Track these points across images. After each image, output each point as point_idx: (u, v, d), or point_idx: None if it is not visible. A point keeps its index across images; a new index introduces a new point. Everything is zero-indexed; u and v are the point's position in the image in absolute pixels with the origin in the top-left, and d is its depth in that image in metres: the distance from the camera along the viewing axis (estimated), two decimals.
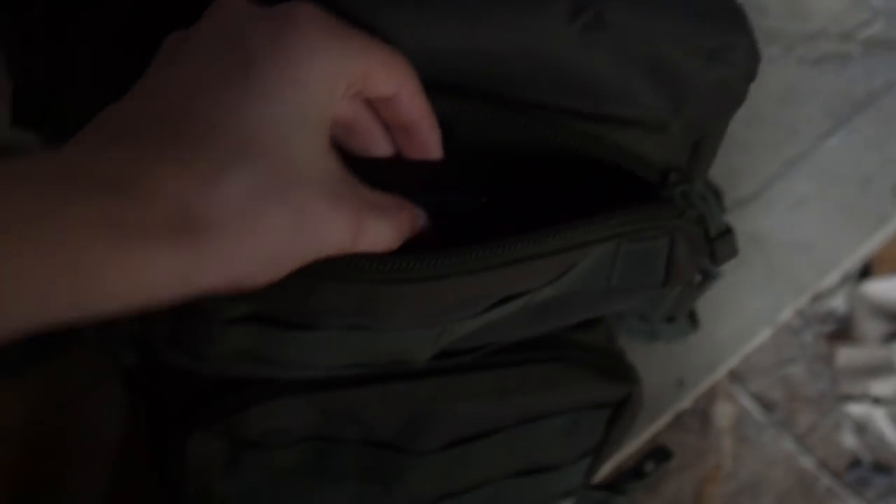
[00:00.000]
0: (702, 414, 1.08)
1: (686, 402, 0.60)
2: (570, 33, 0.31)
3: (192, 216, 0.23)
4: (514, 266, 0.28)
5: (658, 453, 0.46)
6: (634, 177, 0.33)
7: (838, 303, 1.15)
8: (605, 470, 0.58)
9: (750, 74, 0.35)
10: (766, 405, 1.08)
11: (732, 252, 0.35)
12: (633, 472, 0.46)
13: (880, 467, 1.09)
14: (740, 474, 1.07)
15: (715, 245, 0.34)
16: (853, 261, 0.66)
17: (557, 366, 0.37)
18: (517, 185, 0.33)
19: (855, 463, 1.10)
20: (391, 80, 0.28)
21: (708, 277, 0.35)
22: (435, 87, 0.29)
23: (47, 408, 0.46)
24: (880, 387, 1.09)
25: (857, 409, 1.10)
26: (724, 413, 1.10)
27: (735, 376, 1.10)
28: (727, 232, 0.34)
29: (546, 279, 0.30)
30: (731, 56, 0.34)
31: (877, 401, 1.09)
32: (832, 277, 0.65)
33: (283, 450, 0.34)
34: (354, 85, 0.27)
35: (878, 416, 1.08)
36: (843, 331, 1.13)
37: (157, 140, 0.24)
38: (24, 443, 0.45)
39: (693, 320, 0.61)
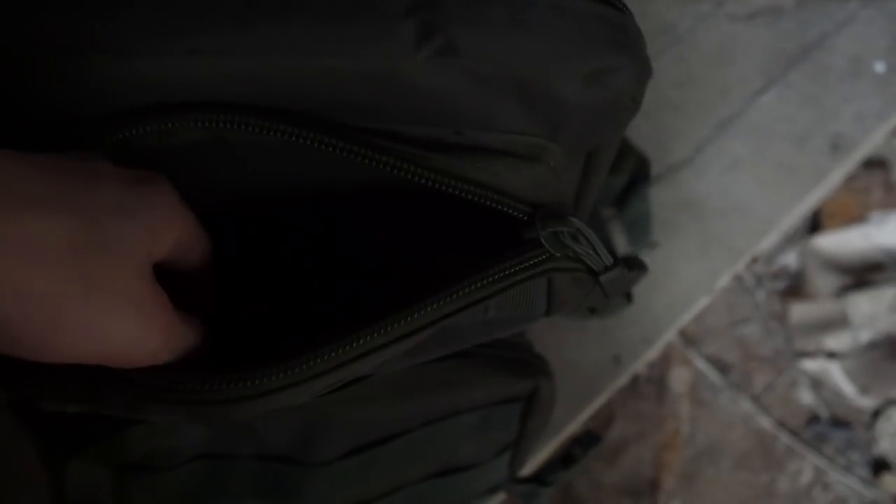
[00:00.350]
0: (657, 380, 1.07)
1: (623, 380, 0.58)
2: (418, 61, 0.27)
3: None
4: (361, 360, 0.27)
5: (585, 438, 0.44)
6: (499, 214, 0.30)
7: (790, 259, 1.14)
8: (542, 456, 0.56)
9: (635, 97, 0.32)
10: (722, 367, 1.07)
11: (623, 286, 0.32)
12: (560, 461, 0.44)
13: (838, 422, 1.08)
14: (698, 438, 1.06)
15: (601, 279, 0.31)
16: (791, 221, 0.65)
17: (455, 363, 0.35)
18: (363, 230, 0.31)
19: (813, 419, 1.09)
20: (194, 256, 0.28)
21: (633, 269, 0.32)
22: (269, 113, 0.27)
23: None
24: (835, 341, 1.08)
25: (812, 365, 1.10)
26: (679, 378, 1.09)
27: (689, 339, 1.09)
28: (614, 266, 0.30)
29: (405, 349, 0.28)
30: (612, 80, 0.30)
31: (832, 355, 1.08)
32: (770, 239, 0.64)
33: (172, 471, 0.32)
34: (171, 248, 0.27)
35: (834, 371, 1.08)
36: (795, 287, 1.12)
37: None
38: None
39: (627, 295, 0.59)
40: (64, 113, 0.26)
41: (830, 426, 1.07)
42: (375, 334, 0.26)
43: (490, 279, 0.28)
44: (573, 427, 0.57)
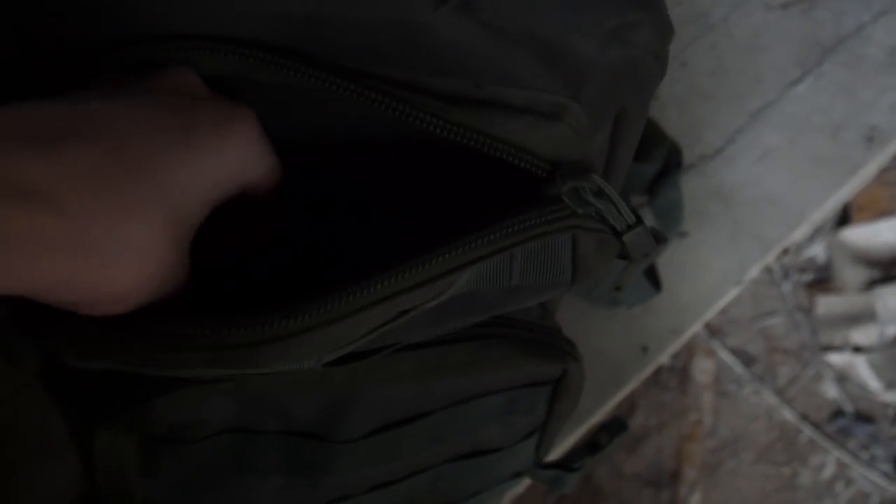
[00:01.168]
0: (680, 371, 1.07)
1: (651, 370, 0.58)
2: (437, 15, 0.27)
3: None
4: (379, 305, 0.26)
5: (612, 425, 0.44)
6: (519, 172, 0.29)
7: (817, 251, 1.13)
8: (567, 444, 0.56)
9: (658, 53, 0.31)
10: (746, 359, 1.06)
11: (647, 245, 0.31)
12: (586, 447, 0.44)
13: (862, 417, 1.07)
14: (721, 430, 1.06)
15: (624, 239, 0.30)
16: (823, 213, 0.64)
17: (481, 344, 0.35)
18: (383, 179, 0.31)
19: (837, 413, 1.08)
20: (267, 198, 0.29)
21: (658, 241, 0.32)
22: (291, 54, 0.28)
23: None
24: (861, 335, 1.07)
25: (837, 359, 1.09)
26: (703, 369, 1.09)
27: (713, 330, 1.08)
28: (637, 224, 0.30)
29: (426, 298, 0.27)
30: (633, 36, 0.30)
31: (858, 349, 1.07)
32: (801, 232, 0.63)
33: (199, 443, 0.32)
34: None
35: (860, 365, 1.07)
36: (823, 279, 1.11)
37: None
38: None
39: (655, 283, 0.58)
40: (92, 33, 0.27)
41: (854, 421, 1.06)
42: (393, 279, 0.26)
43: (511, 228, 0.28)
44: (599, 416, 0.57)
